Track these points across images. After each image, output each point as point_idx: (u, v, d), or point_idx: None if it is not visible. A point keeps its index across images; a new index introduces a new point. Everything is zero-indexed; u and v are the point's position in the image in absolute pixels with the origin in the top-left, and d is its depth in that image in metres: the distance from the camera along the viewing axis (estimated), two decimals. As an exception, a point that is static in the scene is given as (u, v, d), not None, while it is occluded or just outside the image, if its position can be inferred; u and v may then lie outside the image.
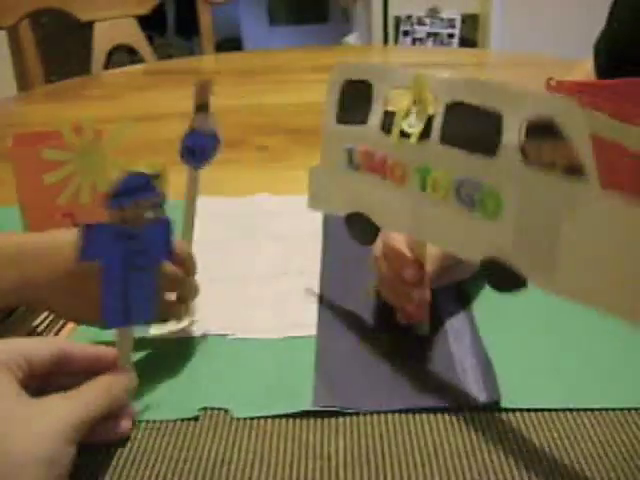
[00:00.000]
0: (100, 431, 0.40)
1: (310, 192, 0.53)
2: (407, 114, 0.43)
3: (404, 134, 0.43)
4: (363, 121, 0.46)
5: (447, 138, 0.40)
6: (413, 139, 0.42)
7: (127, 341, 0.43)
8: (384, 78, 0.45)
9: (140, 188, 0.40)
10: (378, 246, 0.52)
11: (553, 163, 0.36)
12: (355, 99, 0.47)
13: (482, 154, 0.38)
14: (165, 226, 0.42)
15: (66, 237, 0.47)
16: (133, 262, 0.41)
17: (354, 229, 0.50)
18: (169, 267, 0.47)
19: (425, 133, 0.42)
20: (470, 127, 0.39)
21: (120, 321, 0.42)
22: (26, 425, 0.35)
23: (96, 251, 0.41)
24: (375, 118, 0.45)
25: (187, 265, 0.50)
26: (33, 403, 0.37)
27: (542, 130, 0.35)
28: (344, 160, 0.48)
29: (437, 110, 0.41)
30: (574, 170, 0.34)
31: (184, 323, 0.53)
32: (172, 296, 0.51)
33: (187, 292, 0.52)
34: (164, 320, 0.51)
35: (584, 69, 0.85)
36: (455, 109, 0.40)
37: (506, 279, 0.39)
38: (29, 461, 0.34)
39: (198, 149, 0.51)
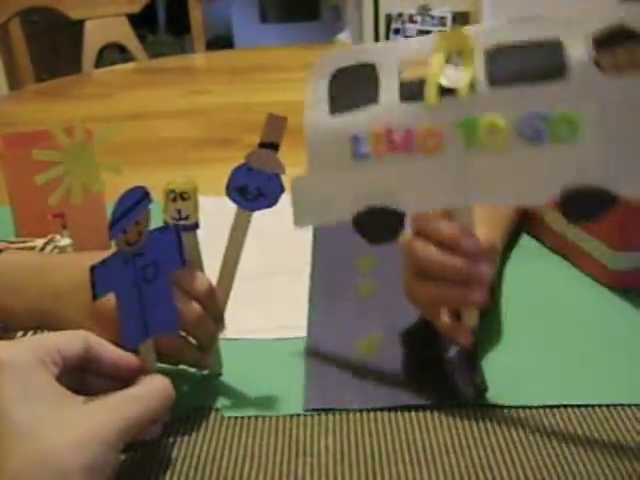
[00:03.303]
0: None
1: (296, 208, 0.45)
2: (439, 72, 0.41)
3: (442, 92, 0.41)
4: (372, 101, 0.42)
5: (498, 80, 0.39)
6: (464, 88, 0.40)
7: (150, 350, 0.41)
8: (388, 53, 0.43)
9: (135, 204, 0.39)
10: (406, 234, 0.46)
11: (632, 65, 0.36)
12: (353, 84, 0.44)
13: (548, 81, 0.38)
14: (172, 234, 0.41)
15: (82, 257, 0.48)
16: (144, 276, 0.40)
17: (369, 228, 0.44)
18: (191, 306, 0.44)
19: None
20: (526, 62, 0.39)
21: (141, 338, 0.40)
22: (69, 429, 0.34)
23: (108, 285, 0.40)
24: (390, 93, 0.42)
25: (207, 305, 0.45)
26: (77, 405, 0.36)
27: (612, 39, 0.36)
28: (346, 153, 0.43)
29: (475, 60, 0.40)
30: None
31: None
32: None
33: (204, 338, 0.46)
34: (175, 364, 0.47)
35: None
36: (499, 52, 0.40)
37: (595, 203, 0.38)
38: (71, 469, 0.32)
39: (253, 189, 0.44)
